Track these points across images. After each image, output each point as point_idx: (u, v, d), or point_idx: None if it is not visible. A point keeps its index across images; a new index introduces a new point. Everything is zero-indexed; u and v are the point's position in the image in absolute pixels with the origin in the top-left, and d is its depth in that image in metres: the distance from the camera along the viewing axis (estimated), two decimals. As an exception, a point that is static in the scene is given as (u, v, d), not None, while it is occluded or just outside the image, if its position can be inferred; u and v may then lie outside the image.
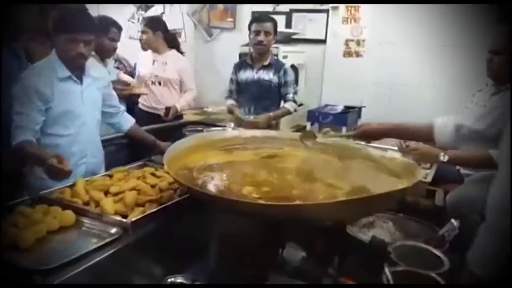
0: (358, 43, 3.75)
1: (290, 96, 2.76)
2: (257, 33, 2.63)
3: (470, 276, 1.21)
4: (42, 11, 2.33)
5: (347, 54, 3.80)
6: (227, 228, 1.32)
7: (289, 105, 2.77)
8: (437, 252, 1.27)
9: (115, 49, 2.72)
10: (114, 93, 2.12)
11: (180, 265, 1.36)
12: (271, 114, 2.67)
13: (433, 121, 1.67)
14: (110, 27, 2.64)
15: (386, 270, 1.17)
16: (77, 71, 1.83)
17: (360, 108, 3.75)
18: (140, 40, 3.36)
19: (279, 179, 1.44)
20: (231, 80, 2.88)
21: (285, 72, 2.74)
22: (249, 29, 2.70)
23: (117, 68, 3.35)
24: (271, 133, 1.89)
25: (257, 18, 2.75)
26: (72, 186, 1.53)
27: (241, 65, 2.85)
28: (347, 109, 3.62)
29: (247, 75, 2.79)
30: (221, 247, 1.34)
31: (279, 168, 1.55)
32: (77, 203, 1.41)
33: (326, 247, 1.33)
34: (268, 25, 2.65)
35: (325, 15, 3.89)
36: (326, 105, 3.73)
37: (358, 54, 3.77)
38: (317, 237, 1.31)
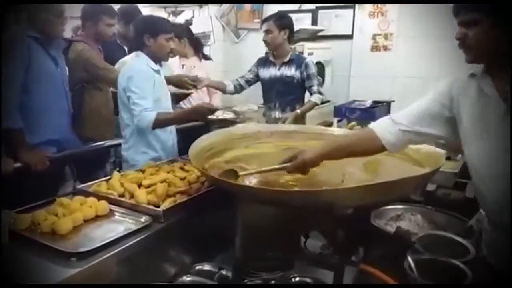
0: (386, 37, 3.68)
1: (315, 88, 2.79)
2: (264, 32, 2.77)
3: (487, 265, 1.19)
4: (92, 17, 2.51)
5: (375, 48, 3.75)
6: (250, 218, 1.37)
7: (315, 98, 2.80)
8: (463, 241, 1.26)
9: None
10: None
11: (207, 254, 1.43)
12: (298, 111, 2.70)
13: (372, 126, 1.30)
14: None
15: (409, 258, 1.17)
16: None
17: (389, 103, 3.69)
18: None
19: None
20: (250, 70, 2.98)
21: (306, 66, 2.78)
22: None
23: None
24: (293, 127, 1.93)
25: (263, 19, 2.87)
26: (108, 180, 1.64)
27: (265, 61, 2.91)
28: (376, 104, 3.57)
29: (270, 72, 2.86)
30: (246, 236, 1.39)
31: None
32: (112, 195, 1.51)
33: (349, 237, 1.35)
34: (268, 24, 2.74)
35: (351, 10, 3.85)
36: (354, 101, 3.68)
37: (386, 48, 3.71)
38: (339, 227, 1.33)
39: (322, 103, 2.98)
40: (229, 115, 2.38)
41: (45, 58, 2.10)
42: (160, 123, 2.02)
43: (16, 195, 1.75)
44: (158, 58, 2.13)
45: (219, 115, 2.31)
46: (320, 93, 2.82)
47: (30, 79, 2.02)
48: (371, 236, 1.44)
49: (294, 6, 4.18)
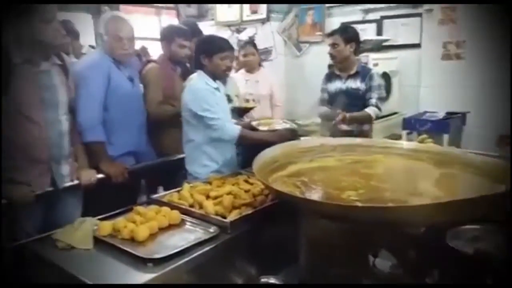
0: (457, 45, 3.48)
1: (373, 101, 2.72)
2: (329, 46, 2.77)
3: None
4: (166, 38, 2.69)
5: (446, 57, 3.55)
6: (315, 233, 1.35)
7: (370, 110, 2.71)
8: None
9: None
10: None
11: (272, 267, 1.44)
12: (347, 114, 2.60)
13: None
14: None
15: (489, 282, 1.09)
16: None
17: (464, 114, 3.45)
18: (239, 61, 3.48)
19: (365, 184, 1.44)
20: (322, 89, 2.98)
21: (370, 77, 2.74)
22: None
23: None
24: (358, 140, 1.88)
25: (328, 33, 2.90)
26: (179, 191, 1.74)
27: (330, 76, 2.93)
28: (450, 115, 3.36)
29: (336, 85, 2.86)
30: (310, 252, 1.38)
31: (365, 173, 1.54)
32: (183, 205, 1.60)
33: (421, 257, 1.28)
34: (334, 38, 2.75)
35: (419, 18, 3.71)
36: (425, 112, 3.50)
37: (458, 57, 3.50)
38: (411, 246, 1.27)
39: (377, 118, 2.84)
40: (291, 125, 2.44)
41: (122, 78, 2.30)
42: (244, 139, 2.15)
43: (99, 203, 1.93)
44: (216, 76, 2.22)
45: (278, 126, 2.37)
46: (377, 106, 2.73)
47: (110, 97, 2.22)
48: (446, 257, 1.35)
49: (358, 17, 4.13)
